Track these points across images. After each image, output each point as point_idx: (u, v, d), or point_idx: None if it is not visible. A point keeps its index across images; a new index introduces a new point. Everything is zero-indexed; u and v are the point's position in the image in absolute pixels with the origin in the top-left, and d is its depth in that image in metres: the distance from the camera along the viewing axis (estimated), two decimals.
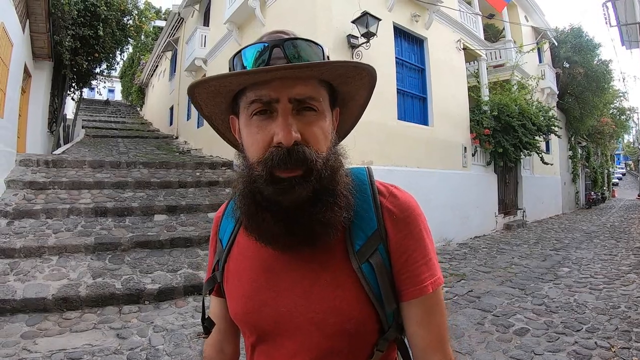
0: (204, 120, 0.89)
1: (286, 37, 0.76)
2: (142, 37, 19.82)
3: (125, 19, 14.25)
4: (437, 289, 0.80)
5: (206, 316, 0.98)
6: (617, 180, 48.50)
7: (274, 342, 0.82)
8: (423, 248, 0.80)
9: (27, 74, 9.76)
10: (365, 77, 0.79)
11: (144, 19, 15.02)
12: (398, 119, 8.58)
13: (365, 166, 0.88)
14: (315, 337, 0.77)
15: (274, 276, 0.81)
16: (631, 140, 46.96)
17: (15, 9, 7.66)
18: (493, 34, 14.63)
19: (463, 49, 10.95)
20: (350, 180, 0.81)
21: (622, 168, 60.31)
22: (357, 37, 7.59)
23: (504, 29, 14.16)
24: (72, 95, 15.39)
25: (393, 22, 8.74)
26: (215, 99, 0.80)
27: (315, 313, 0.77)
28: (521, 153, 11.99)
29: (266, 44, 0.73)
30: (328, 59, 0.77)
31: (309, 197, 0.72)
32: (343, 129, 0.92)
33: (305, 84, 0.72)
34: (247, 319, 0.84)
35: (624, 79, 34.22)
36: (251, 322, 0.83)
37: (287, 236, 0.74)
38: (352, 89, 0.82)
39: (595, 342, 3.75)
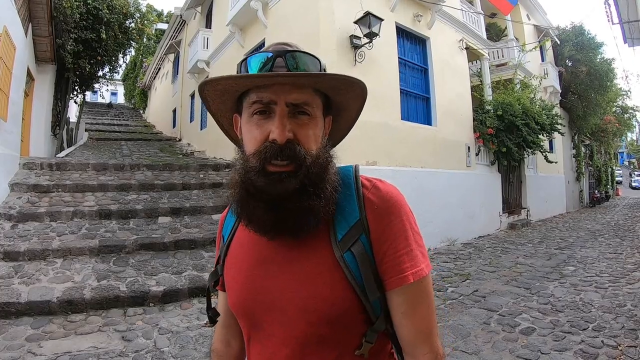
0: (208, 122, 0.94)
1: (289, 48, 0.84)
2: (145, 40, 19.90)
3: (127, 22, 14.30)
4: (420, 280, 0.81)
5: (211, 306, 1.04)
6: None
7: (265, 330, 0.87)
8: (404, 238, 0.83)
9: (30, 78, 9.80)
10: (357, 90, 0.87)
11: (146, 21, 15.06)
12: (402, 119, 8.54)
13: (353, 164, 0.94)
14: (302, 324, 0.82)
15: (266, 265, 0.87)
16: (634, 138, 46.62)
17: (18, 12, 7.68)
18: (495, 33, 14.61)
19: (466, 48, 10.94)
20: (338, 178, 0.86)
21: None
22: (360, 38, 7.56)
23: (506, 27, 14.11)
24: (75, 98, 15.42)
25: (395, 22, 8.72)
26: (222, 97, 0.89)
27: (301, 299, 0.81)
28: (525, 152, 11.97)
29: (270, 54, 0.82)
30: (324, 70, 0.85)
31: (295, 189, 0.78)
32: (337, 136, 1.00)
33: (301, 91, 0.80)
34: (242, 308, 0.90)
35: (626, 77, 33.99)
36: (246, 310, 0.89)
37: (274, 223, 0.81)
38: (345, 100, 0.90)
39: (602, 341, 3.73)
